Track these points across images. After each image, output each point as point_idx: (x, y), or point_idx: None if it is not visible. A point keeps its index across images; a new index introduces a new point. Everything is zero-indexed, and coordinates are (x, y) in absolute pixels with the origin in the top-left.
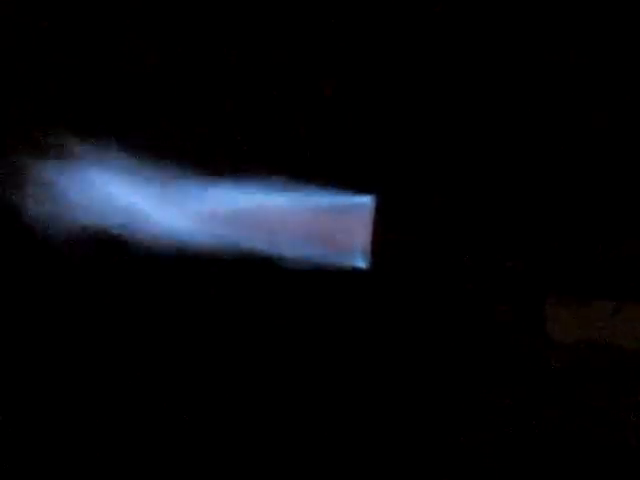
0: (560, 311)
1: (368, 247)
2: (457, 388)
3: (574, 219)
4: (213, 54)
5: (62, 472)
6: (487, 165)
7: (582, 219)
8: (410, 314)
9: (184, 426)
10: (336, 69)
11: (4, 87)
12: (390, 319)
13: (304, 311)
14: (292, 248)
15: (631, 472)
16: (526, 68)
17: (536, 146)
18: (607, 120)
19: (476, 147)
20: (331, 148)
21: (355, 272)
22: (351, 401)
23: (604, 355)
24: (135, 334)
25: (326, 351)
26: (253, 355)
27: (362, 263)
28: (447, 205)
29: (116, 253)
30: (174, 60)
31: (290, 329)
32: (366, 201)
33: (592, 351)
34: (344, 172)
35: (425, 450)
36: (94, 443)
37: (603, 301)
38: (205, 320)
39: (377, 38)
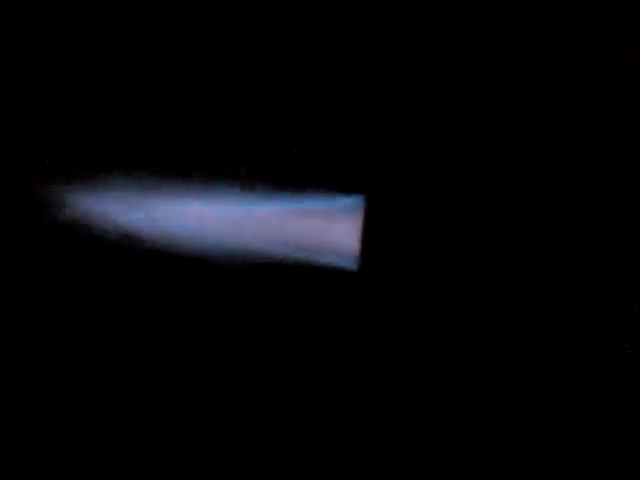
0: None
1: (357, 249)
2: (450, 391)
3: (567, 221)
4: (206, 60)
5: (62, 472)
6: (480, 165)
7: (579, 218)
8: (400, 316)
9: (185, 425)
10: (327, 71)
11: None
12: (380, 321)
13: (294, 312)
14: (281, 250)
15: (634, 473)
16: (525, 70)
17: (534, 146)
18: (612, 122)
19: (469, 147)
20: (321, 149)
21: (344, 274)
22: (341, 400)
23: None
24: (137, 332)
25: (315, 352)
26: (246, 354)
27: (351, 265)
28: (439, 206)
29: (122, 255)
30: (174, 71)
31: (280, 330)
32: (356, 202)
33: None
34: (334, 173)
35: (424, 452)
36: (94, 443)
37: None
38: (200, 320)
39: (369, 37)
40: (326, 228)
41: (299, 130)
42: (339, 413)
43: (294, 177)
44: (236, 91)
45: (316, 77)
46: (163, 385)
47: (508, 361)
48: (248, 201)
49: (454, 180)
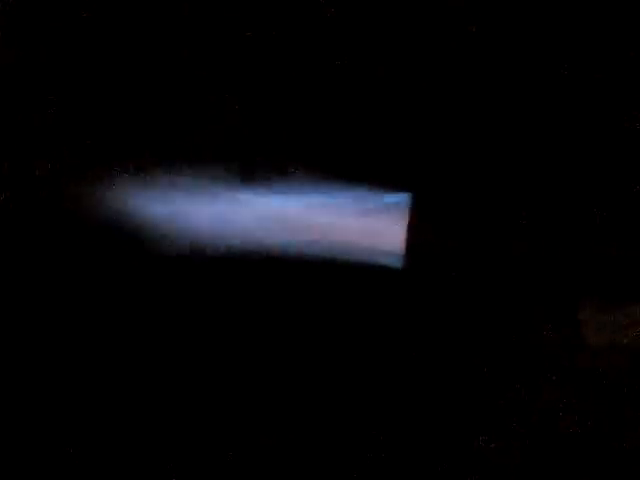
0: (594, 315)
1: (403, 247)
2: (490, 388)
3: (611, 223)
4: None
5: (62, 472)
6: (526, 165)
7: (619, 223)
8: (444, 314)
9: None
10: (377, 68)
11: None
12: (424, 319)
13: (339, 311)
14: (326, 248)
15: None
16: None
17: (578, 148)
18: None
19: (515, 146)
20: (367, 146)
21: (389, 272)
22: (385, 399)
23: (636, 360)
24: (165, 331)
25: (359, 351)
26: (284, 354)
27: (396, 263)
28: (485, 205)
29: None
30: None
31: (323, 328)
32: (401, 200)
33: (625, 356)
34: (380, 171)
35: (452, 452)
36: (94, 443)
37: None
38: (238, 319)
39: (418, 38)
40: (371, 226)
41: (345, 127)
42: (383, 412)
43: (340, 175)
44: (285, 90)
45: (366, 75)
46: (201, 380)
47: (545, 360)
48: (293, 199)
49: (501, 178)
